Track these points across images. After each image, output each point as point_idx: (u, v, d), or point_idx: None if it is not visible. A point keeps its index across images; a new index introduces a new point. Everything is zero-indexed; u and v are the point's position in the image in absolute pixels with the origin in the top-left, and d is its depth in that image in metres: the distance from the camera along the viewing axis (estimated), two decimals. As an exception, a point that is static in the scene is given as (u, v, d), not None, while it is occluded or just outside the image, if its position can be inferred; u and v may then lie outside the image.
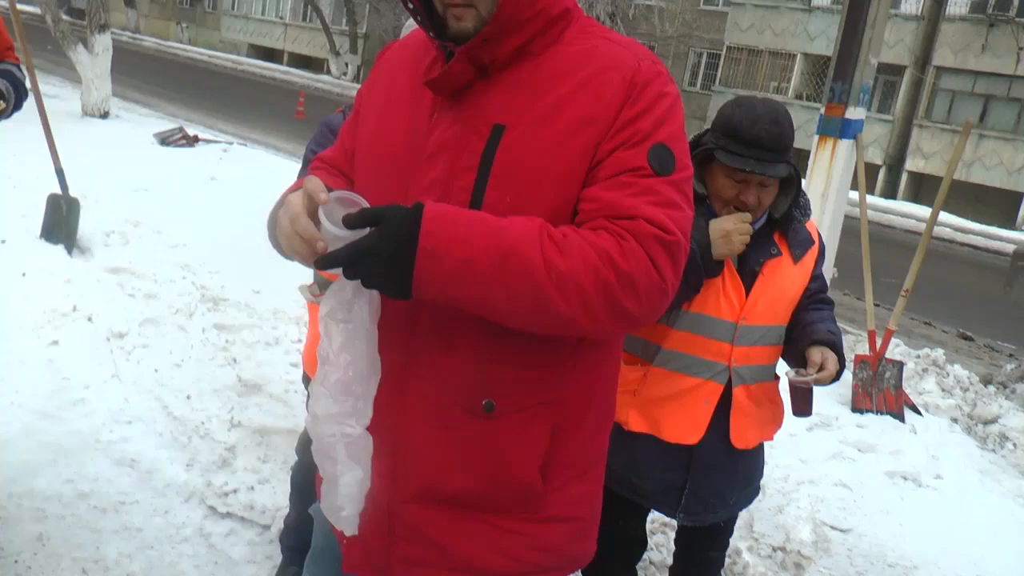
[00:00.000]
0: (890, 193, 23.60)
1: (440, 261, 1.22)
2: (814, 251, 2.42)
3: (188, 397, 4.02)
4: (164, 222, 6.23)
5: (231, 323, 4.87)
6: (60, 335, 4.22)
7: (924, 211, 18.07)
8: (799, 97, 25.23)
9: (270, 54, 39.20)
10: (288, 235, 1.29)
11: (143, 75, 20.77)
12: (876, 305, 5.77)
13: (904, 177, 24.03)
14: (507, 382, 1.42)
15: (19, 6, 5.83)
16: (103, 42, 11.23)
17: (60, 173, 5.57)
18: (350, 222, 1.22)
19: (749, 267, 2.28)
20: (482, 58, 1.38)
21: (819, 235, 2.48)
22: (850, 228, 6.23)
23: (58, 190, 5.59)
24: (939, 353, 6.32)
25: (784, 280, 2.34)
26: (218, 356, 4.46)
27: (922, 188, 23.59)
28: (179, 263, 5.56)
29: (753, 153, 2.16)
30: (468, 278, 1.24)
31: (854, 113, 4.65)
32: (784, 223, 2.34)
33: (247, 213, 4.56)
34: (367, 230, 1.23)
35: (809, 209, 2.40)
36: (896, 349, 6.16)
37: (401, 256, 1.22)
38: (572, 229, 1.32)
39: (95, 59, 11.12)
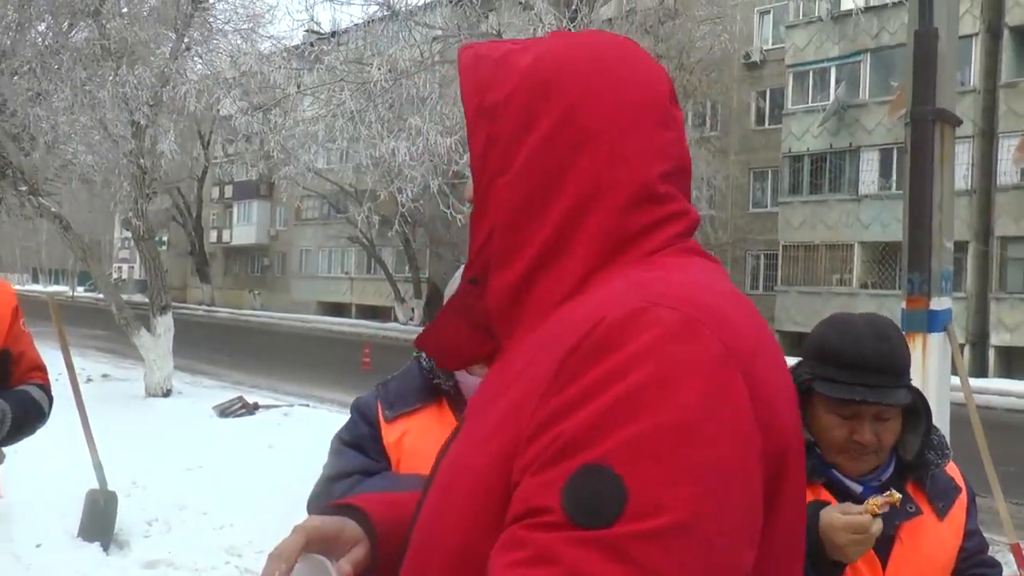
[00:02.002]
0: (979, 372, 22.47)
1: None
2: (963, 500, 1.87)
3: None
4: (212, 502, 6.01)
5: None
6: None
7: (1020, 386, 16.93)
8: (864, 287, 24.84)
9: (338, 308, 40.68)
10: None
11: (212, 346, 21.41)
12: (1015, 503, 5.01)
13: (992, 353, 22.98)
14: None
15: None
16: (165, 323, 11.54)
17: (98, 467, 5.50)
18: None
19: (883, 532, 1.74)
20: (479, 314, 1.01)
21: (965, 480, 1.94)
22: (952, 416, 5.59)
23: (97, 485, 5.46)
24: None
25: (930, 544, 1.80)
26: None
27: (1012, 361, 22.44)
28: (224, 546, 5.31)
29: (860, 378, 1.72)
30: None
31: (939, 303, 4.20)
32: (918, 469, 1.83)
33: (301, 480, 4.26)
34: None
35: (947, 448, 1.88)
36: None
37: None
38: None
39: (157, 340, 11.38)
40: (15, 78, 11.70)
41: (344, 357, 21.53)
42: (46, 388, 2.61)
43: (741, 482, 0.76)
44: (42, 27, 12.51)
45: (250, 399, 10.41)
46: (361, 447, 1.94)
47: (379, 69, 6.42)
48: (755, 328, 0.86)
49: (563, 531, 0.72)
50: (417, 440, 1.89)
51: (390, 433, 1.92)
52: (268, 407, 10.28)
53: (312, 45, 9.44)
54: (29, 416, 2.48)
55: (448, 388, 1.92)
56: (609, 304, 0.82)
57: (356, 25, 10.92)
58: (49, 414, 2.60)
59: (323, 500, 1.91)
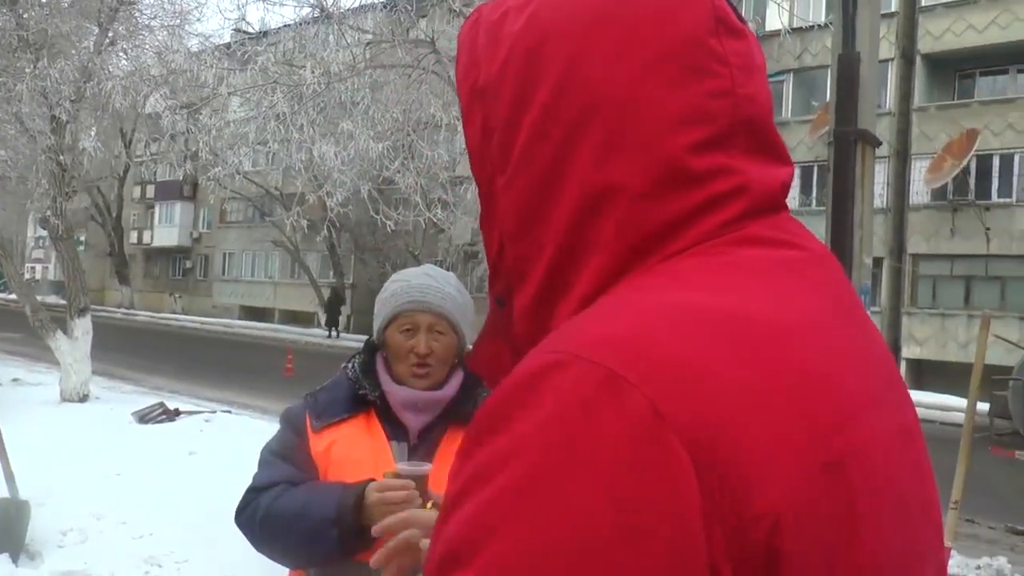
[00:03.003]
0: (893, 383, 23.29)
1: None
2: None
3: None
4: (131, 511, 5.85)
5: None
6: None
7: (931, 397, 17.61)
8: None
9: (261, 313, 39.96)
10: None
11: (131, 350, 20.82)
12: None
13: (904, 365, 23.82)
14: None
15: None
16: (83, 326, 11.18)
17: (9, 476, 5.28)
18: None
19: None
20: (512, 337, 0.83)
21: None
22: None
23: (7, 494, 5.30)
24: (1002, 561, 5.68)
25: None
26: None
27: (922, 374, 23.29)
28: (143, 556, 5.18)
29: None
30: None
31: (857, 316, 4.36)
32: None
33: (223, 487, 4.18)
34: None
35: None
36: (951, 563, 5.52)
37: None
38: None
39: (74, 343, 11.02)
40: (-76, 67, 11.22)
41: (267, 363, 21.17)
42: None
43: None
44: (-46, 15, 12.03)
45: (171, 405, 10.16)
46: (288, 457, 1.96)
47: (312, 72, 6.34)
48: (788, 371, 0.60)
49: None
50: (344, 450, 1.91)
51: (318, 443, 1.94)
52: (189, 413, 10.05)
53: (243, 44, 9.27)
54: None
55: (374, 399, 1.96)
56: (531, 354, 0.62)
57: (286, 26, 10.78)
58: None
59: (248, 511, 1.92)
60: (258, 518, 1.90)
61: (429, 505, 1.75)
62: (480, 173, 0.78)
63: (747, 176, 0.70)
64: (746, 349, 0.60)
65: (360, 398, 1.96)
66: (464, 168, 12.33)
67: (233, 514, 1.96)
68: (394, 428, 1.95)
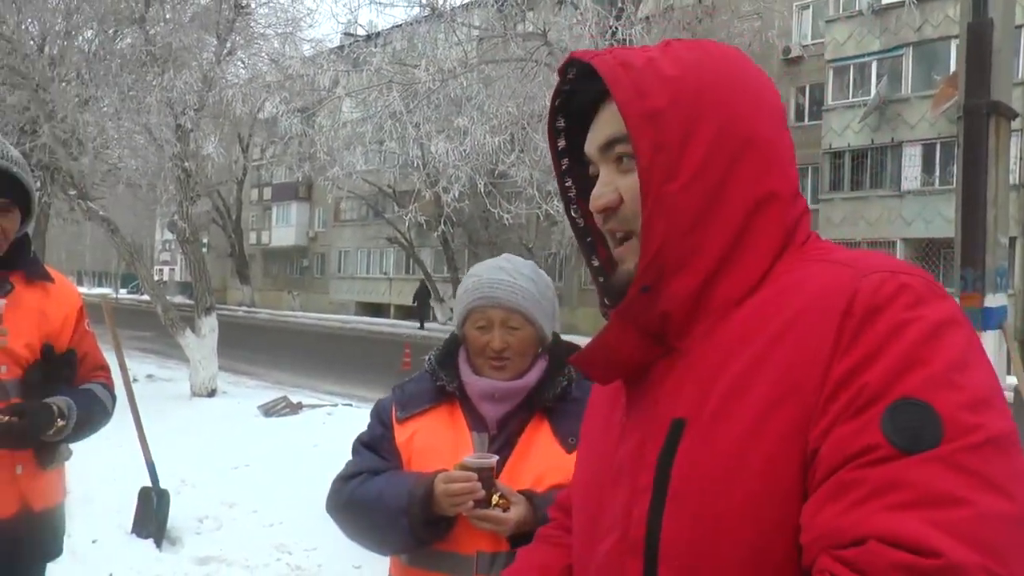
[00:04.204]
0: (1030, 370, 22.00)
1: None
2: None
3: None
4: (261, 500, 6.07)
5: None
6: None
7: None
8: (908, 283, 24.42)
9: (377, 309, 40.90)
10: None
11: (254, 346, 21.64)
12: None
13: (1041, 351, 22.51)
14: None
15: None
16: (209, 324, 11.69)
17: (151, 466, 5.57)
18: None
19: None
20: (650, 320, 1.02)
21: None
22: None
23: (149, 483, 5.57)
24: None
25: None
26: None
27: (1064, 360, 21.95)
28: (274, 544, 5.36)
29: None
30: None
31: (994, 300, 4.12)
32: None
33: None
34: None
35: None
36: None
37: None
38: None
39: (202, 340, 11.53)
40: (64, 85, 11.93)
41: (384, 357, 21.63)
42: (109, 387, 2.66)
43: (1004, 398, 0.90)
44: (89, 34, 12.74)
45: (294, 399, 10.50)
46: (375, 447, 2.02)
47: (426, 70, 6.44)
48: None
49: (897, 460, 0.82)
50: (425, 439, 1.97)
51: (401, 433, 2.00)
52: (312, 407, 10.36)
53: (355, 46, 9.50)
54: (94, 414, 2.53)
55: (453, 389, 2.00)
56: (849, 276, 0.93)
57: (395, 27, 10.98)
58: (112, 412, 2.65)
59: (334, 500, 1.99)
60: (341, 506, 1.97)
61: (496, 497, 1.78)
62: (648, 182, 1.00)
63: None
64: None
65: (443, 390, 2.00)
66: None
67: None
68: (475, 419, 1.97)
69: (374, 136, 7.58)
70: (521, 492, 1.82)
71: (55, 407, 2.35)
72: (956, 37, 14.99)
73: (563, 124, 1.17)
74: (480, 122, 6.47)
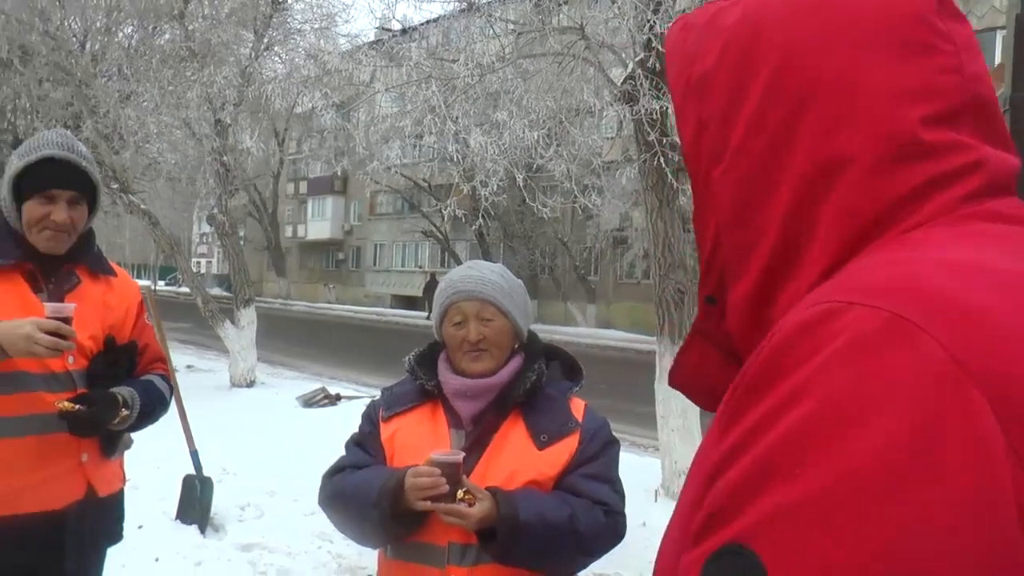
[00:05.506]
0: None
1: None
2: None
3: None
4: (302, 489, 6.12)
5: (369, 597, 4.53)
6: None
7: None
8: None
9: (412, 302, 41.10)
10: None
11: (291, 338, 21.87)
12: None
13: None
14: None
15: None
16: (248, 315, 11.84)
17: (194, 455, 5.69)
18: None
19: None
20: (723, 337, 0.85)
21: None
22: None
23: (193, 471, 5.67)
24: None
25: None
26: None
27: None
28: (315, 532, 5.42)
29: None
30: None
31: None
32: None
33: None
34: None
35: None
36: None
37: None
38: None
39: (241, 332, 11.69)
40: (105, 80, 12.13)
41: (419, 350, 21.71)
42: (167, 378, 2.73)
43: (973, 563, 0.51)
44: (129, 30, 12.93)
45: (332, 390, 10.61)
46: (363, 444, 2.13)
47: (465, 65, 6.47)
48: None
49: None
50: (406, 436, 2.06)
51: (386, 431, 2.10)
52: (350, 398, 10.46)
53: (392, 41, 9.55)
54: (154, 404, 2.59)
55: (431, 388, 2.09)
56: (797, 309, 0.63)
57: (429, 21, 11.01)
58: (170, 403, 2.72)
59: (321, 492, 2.09)
60: (326, 500, 2.07)
61: (462, 492, 1.84)
62: (696, 170, 0.79)
63: (982, 153, 0.68)
64: (1021, 297, 0.58)
65: (426, 390, 2.09)
66: (615, 152, 12.20)
67: None
68: (455, 416, 2.06)
69: (413, 130, 7.62)
70: (488, 489, 1.89)
71: (120, 397, 2.41)
72: (1002, 28, 14.75)
73: None
74: (518, 116, 6.49)
